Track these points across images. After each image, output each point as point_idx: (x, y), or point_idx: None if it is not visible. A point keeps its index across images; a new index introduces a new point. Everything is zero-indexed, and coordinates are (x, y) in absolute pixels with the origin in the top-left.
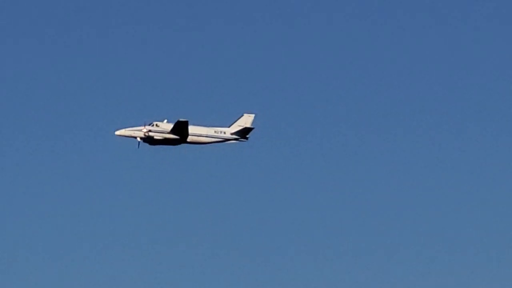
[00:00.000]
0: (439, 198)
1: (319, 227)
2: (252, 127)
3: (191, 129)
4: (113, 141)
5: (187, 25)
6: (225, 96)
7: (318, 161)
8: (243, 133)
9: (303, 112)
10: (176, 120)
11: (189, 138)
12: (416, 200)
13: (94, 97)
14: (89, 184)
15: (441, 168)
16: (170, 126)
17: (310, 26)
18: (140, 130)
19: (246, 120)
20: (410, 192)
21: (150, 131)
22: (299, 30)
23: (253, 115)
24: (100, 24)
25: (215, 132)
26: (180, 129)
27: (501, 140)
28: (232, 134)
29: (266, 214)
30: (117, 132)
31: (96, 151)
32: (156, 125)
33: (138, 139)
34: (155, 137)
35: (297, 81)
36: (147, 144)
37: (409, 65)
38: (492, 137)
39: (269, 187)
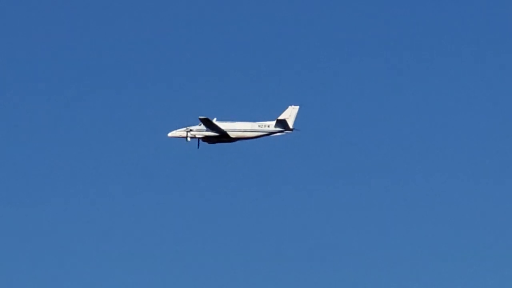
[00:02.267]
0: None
1: (365, 222)
2: (284, 118)
3: (236, 125)
4: (166, 142)
5: (232, 21)
6: (280, 91)
7: (365, 155)
8: (281, 125)
9: (349, 104)
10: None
11: (234, 134)
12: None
13: (149, 98)
14: (146, 185)
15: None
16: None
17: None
18: (185, 131)
19: (290, 112)
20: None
21: (191, 130)
22: (348, 22)
23: (297, 107)
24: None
25: (259, 126)
26: (208, 125)
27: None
28: (274, 127)
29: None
30: (169, 134)
31: (150, 153)
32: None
33: (188, 139)
34: (196, 136)
35: (344, 72)
36: (206, 143)
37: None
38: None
39: (309, 179)
